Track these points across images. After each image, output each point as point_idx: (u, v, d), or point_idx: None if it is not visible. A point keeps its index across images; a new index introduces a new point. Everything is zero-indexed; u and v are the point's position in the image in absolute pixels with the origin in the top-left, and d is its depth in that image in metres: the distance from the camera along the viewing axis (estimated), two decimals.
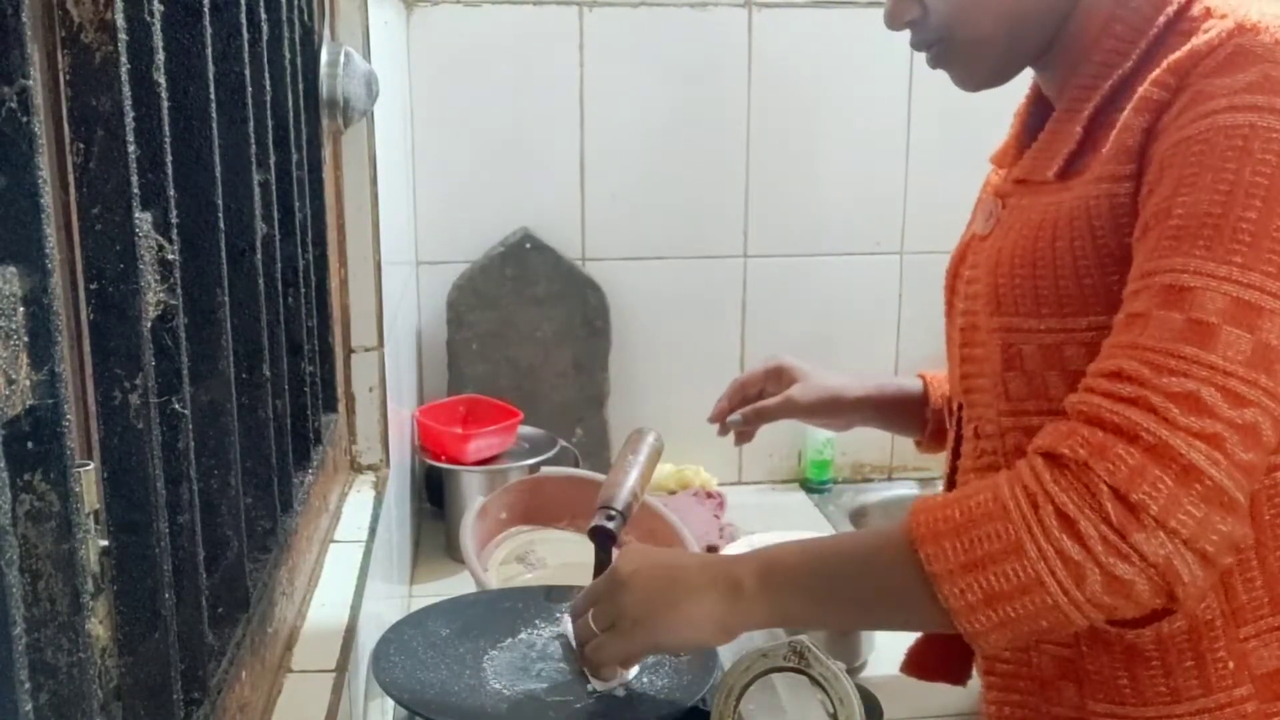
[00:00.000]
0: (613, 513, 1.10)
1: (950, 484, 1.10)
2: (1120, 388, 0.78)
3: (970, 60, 0.97)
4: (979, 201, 1.07)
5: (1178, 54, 0.85)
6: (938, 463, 1.21)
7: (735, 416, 1.30)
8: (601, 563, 1.10)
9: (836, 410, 1.29)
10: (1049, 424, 0.83)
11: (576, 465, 1.94)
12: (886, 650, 1.54)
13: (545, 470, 1.72)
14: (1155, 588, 0.77)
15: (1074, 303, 0.89)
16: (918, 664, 1.14)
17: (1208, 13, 0.87)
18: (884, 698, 1.38)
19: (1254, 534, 0.88)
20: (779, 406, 1.28)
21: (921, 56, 1.00)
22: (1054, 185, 0.94)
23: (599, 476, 1.41)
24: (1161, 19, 0.89)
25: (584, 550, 1.14)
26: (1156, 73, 0.85)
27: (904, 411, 1.29)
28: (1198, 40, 0.84)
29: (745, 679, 0.87)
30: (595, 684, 0.97)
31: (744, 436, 1.33)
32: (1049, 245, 0.90)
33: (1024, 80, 1.02)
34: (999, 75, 0.99)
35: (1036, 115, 1.04)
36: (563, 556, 1.50)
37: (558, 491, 1.55)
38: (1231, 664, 0.89)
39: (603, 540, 1.09)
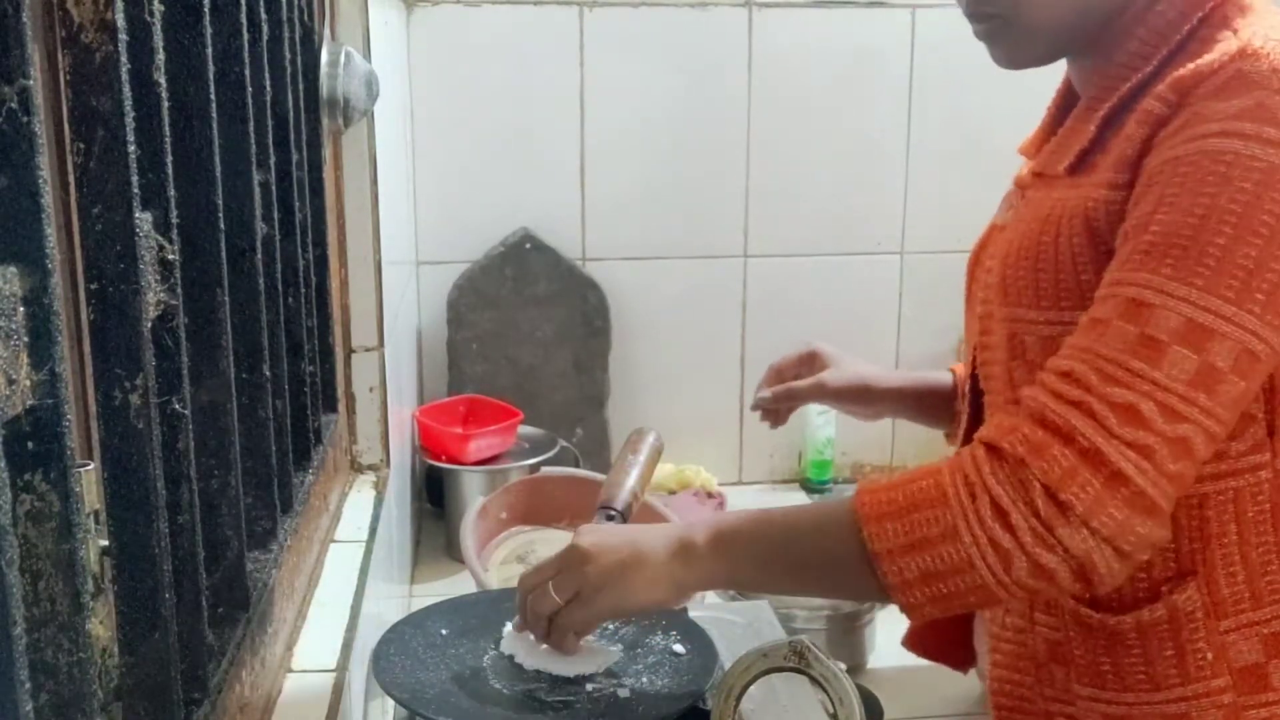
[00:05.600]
0: (613, 513, 1.10)
1: None
2: (1068, 389, 0.83)
3: (1022, 42, 0.96)
4: (1007, 193, 1.08)
5: (1182, 70, 0.86)
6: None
7: (765, 394, 1.30)
8: None
9: (866, 398, 1.29)
10: (997, 414, 0.89)
11: (576, 465, 1.94)
12: (886, 649, 1.54)
13: (545, 470, 1.72)
14: (1074, 575, 0.82)
15: (1071, 297, 0.91)
16: (919, 641, 1.16)
17: (1226, 21, 0.87)
18: (884, 697, 1.38)
19: (1236, 529, 0.91)
20: (809, 389, 1.28)
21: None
22: (1065, 180, 0.95)
23: (599, 476, 1.40)
24: (1187, 26, 0.90)
25: None
26: (1160, 86, 0.87)
27: (934, 403, 1.29)
28: (1202, 60, 0.85)
29: (745, 679, 0.87)
30: (586, 673, 0.97)
31: (775, 416, 1.33)
32: (1051, 239, 0.92)
33: (1032, 79, 1.02)
34: (1042, 59, 0.98)
35: (1065, 108, 1.04)
36: None
37: (558, 491, 1.55)
38: (1210, 656, 0.91)
39: None
